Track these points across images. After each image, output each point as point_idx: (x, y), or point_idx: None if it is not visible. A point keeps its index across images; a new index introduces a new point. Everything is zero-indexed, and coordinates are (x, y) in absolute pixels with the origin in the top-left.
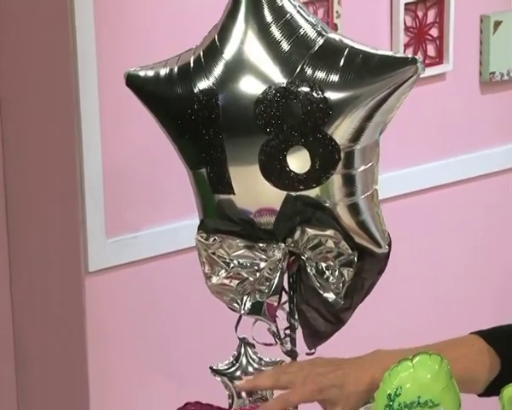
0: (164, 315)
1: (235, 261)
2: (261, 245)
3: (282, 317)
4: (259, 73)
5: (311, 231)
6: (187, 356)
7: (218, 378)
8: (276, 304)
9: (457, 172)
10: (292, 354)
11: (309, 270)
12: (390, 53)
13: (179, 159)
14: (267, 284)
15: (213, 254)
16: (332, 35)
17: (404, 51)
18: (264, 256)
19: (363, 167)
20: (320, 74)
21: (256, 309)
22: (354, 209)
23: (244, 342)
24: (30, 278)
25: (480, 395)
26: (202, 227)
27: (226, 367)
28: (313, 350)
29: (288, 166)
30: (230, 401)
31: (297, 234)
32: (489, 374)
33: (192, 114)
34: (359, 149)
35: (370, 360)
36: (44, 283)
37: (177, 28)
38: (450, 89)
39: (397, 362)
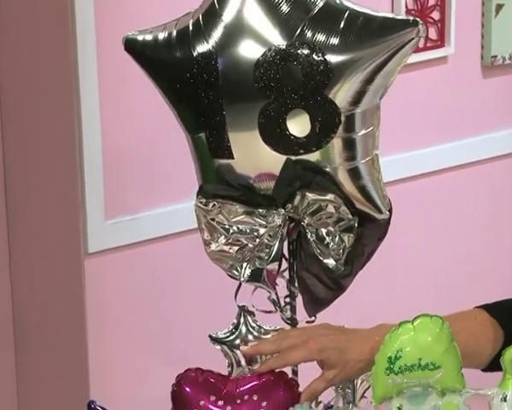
0: (163, 296)
1: (235, 227)
2: (261, 211)
3: (281, 285)
4: (259, 35)
5: (311, 196)
6: (186, 337)
7: (218, 347)
8: (275, 271)
9: (459, 156)
10: (292, 321)
11: (309, 236)
12: (391, 15)
13: (180, 139)
14: (267, 250)
15: (212, 220)
16: None
17: None
18: (263, 222)
19: (363, 131)
20: (320, 37)
21: (256, 276)
22: (355, 174)
23: (244, 310)
24: (30, 259)
25: (483, 370)
26: (201, 192)
27: (225, 336)
28: (313, 318)
29: (287, 130)
30: (230, 369)
31: (297, 199)
32: (493, 347)
33: (191, 77)
34: (360, 113)
35: (374, 332)
36: (44, 264)
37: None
38: (451, 72)
39: (397, 325)
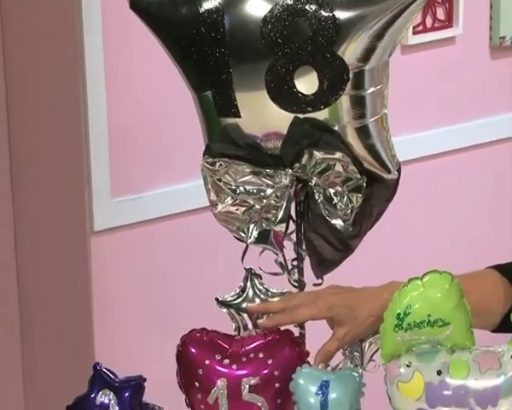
0: (168, 275)
1: (242, 188)
2: (268, 171)
3: (288, 247)
4: None
5: (318, 155)
6: (190, 315)
7: (225, 310)
8: (282, 233)
9: (466, 138)
10: (299, 283)
11: (317, 197)
12: None
13: (187, 118)
14: (274, 211)
15: (219, 180)
16: None
17: None
18: (270, 182)
19: (372, 89)
20: None
21: (263, 237)
22: (363, 132)
23: (251, 273)
24: (35, 238)
25: (493, 331)
26: (208, 152)
27: (232, 298)
28: (320, 281)
29: (295, 87)
30: (237, 333)
31: (304, 158)
32: (504, 307)
33: (197, 34)
34: (369, 70)
35: (384, 289)
36: (50, 242)
37: None
38: (459, 53)
39: (406, 282)
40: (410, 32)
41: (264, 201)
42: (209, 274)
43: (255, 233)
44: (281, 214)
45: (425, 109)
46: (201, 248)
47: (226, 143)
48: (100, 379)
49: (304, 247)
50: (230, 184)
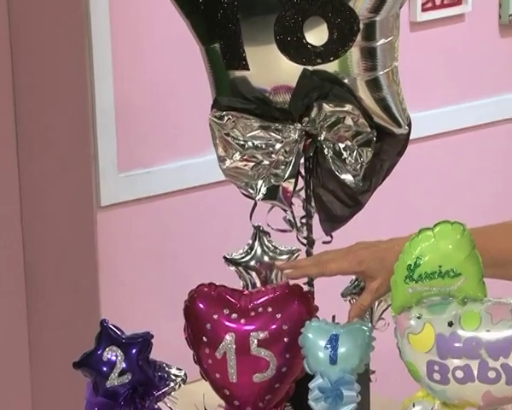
0: (174, 250)
1: (250, 143)
2: (277, 125)
3: (297, 204)
4: None
5: (328, 108)
6: None
7: (232, 268)
8: (291, 189)
9: (475, 117)
10: (308, 240)
11: (326, 152)
12: None
13: (195, 92)
14: (282, 167)
15: (227, 135)
16: None
17: None
18: (279, 137)
19: (382, 41)
20: None
21: (271, 194)
22: (373, 85)
23: (259, 230)
24: (42, 212)
25: None
26: (216, 105)
27: (240, 256)
28: (330, 238)
29: (304, 38)
30: None
31: (314, 112)
32: None
33: None
34: (379, 21)
35: None
36: (57, 217)
37: None
38: (468, 31)
39: (417, 232)
40: (419, 9)
41: (273, 156)
42: (216, 250)
43: (263, 189)
44: (289, 170)
45: (433, 87)
46: (208, 225)
47: (234, 97)
48: (107, 336)
49: (313, 203)
50: (239, 139)
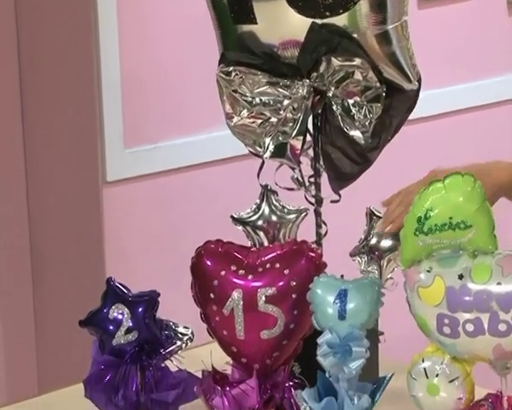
0: (180, 227)
1: (258, 99)
2: (285, 81)
3: (305, 163)
4: None
5: (337, 62)
6: None
7: (240, 227)
8: (299, 147)
9: (483, 96)
10: (316, 199)
11: (334, 108)
12: None
13: (203, 68)
14: (290, 124)
15: (235, 91)
16: None
17: None
18: (287, 93)
19: None
20: None
21: (279, 151)
22: (383, 39)
23: (266, 189)
24: (48, 188)
25: None
26: (223, 60)
27: (248, 216)
28: (338, 197)
29: None
30: None
31: (322, 66)
32: None
33: None
34: None
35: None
36: (62, 192)
37: None
38: (477, 9)
39: (428, 184)
40: None
41: (281, 113)
42: (221, 227)
43: (271, 147)
44: (298, 127)
45: (441, 66)
46: (213, 201)
47: (241, 52)
48: (113, 294)
49: (321, 162)
50: (246, 96)
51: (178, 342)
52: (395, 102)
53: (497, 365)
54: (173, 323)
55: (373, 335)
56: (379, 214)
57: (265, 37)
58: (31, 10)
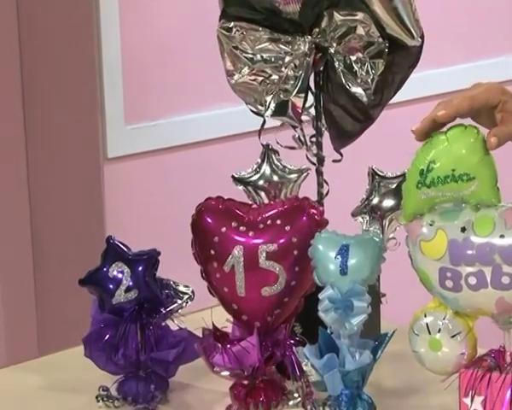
0: (179, 204)
1: (259, 56)
2: (286, 38)
3: (307, 123)
4: None
5: (339, 16)
6: None
7: (241, 187)
8: (301, 105)
9: (483, 76)
10: (318, 158)
11: (337, 65)
12: None
13: (205, 44)
14: (292, 82)
15: (236, 48)
16: None
17: None
18: (288, 50)
19: None
20: None
21: (281, 109)
22: None
23: (268, 148)
24: (48, 164)
25: None
26: (224, 16)
27: (249, 175)
28: (340, 157)
29: None
30: None
31: (324, 21)
32: None
33: None
34: None
35: None
36: (63, 169)
37: None
38: None
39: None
40: None
41: (282, 70)
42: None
43: (273, 105)
44: (299, 84)
45: (446, 44)
46: (213, 179)
47: (242, 8)
48: (113, 252)
49: (323, 120)
50: (247, 52)
51: (179, 301)
52: (398, 59)
53: (500, 319)
54: (173, 282)
55: (375, 296)
56: (381, 174)
57: None
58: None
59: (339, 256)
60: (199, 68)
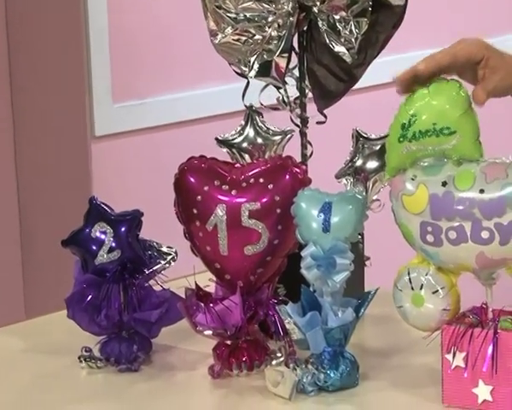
0: (167, 183)
1: (242, 15)
2: None
3: (291, 84)
4: None
5: None
6: None
7: (225, 150)
8: (284, 65)
9: None
10: (302, 119)
11: (320, 25)
12: None
13: (193, 22)
14: (275, 42)
15: (219, 8)
16: None
17: None
18: (272, 9)
19: None
20: None
21: (264, 70)
22: None
23: (251, 109)
24: (36, 142)
25: None
26: None
27: (233, 137)
28: (324, 119)
29: None
30: None
31: None
32: None
33: None
34: None
35: None
36: (51, 147)
37: None
38: None
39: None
40: None
41: (266, 29)
42: None
43: (256, 66)
44: (283, 44)
45: (445, 27)
46: None
47: None
48: (95, 213)
49: (306, 81)
50: (231, 12)
51: (162, 262)
52: (381, 18)
53: (482, 274)
54: (157, 243)
55: (359, 257)
56: (365, 135)
57: None
58: None
59: (321, 214)
60: (187, 47)
